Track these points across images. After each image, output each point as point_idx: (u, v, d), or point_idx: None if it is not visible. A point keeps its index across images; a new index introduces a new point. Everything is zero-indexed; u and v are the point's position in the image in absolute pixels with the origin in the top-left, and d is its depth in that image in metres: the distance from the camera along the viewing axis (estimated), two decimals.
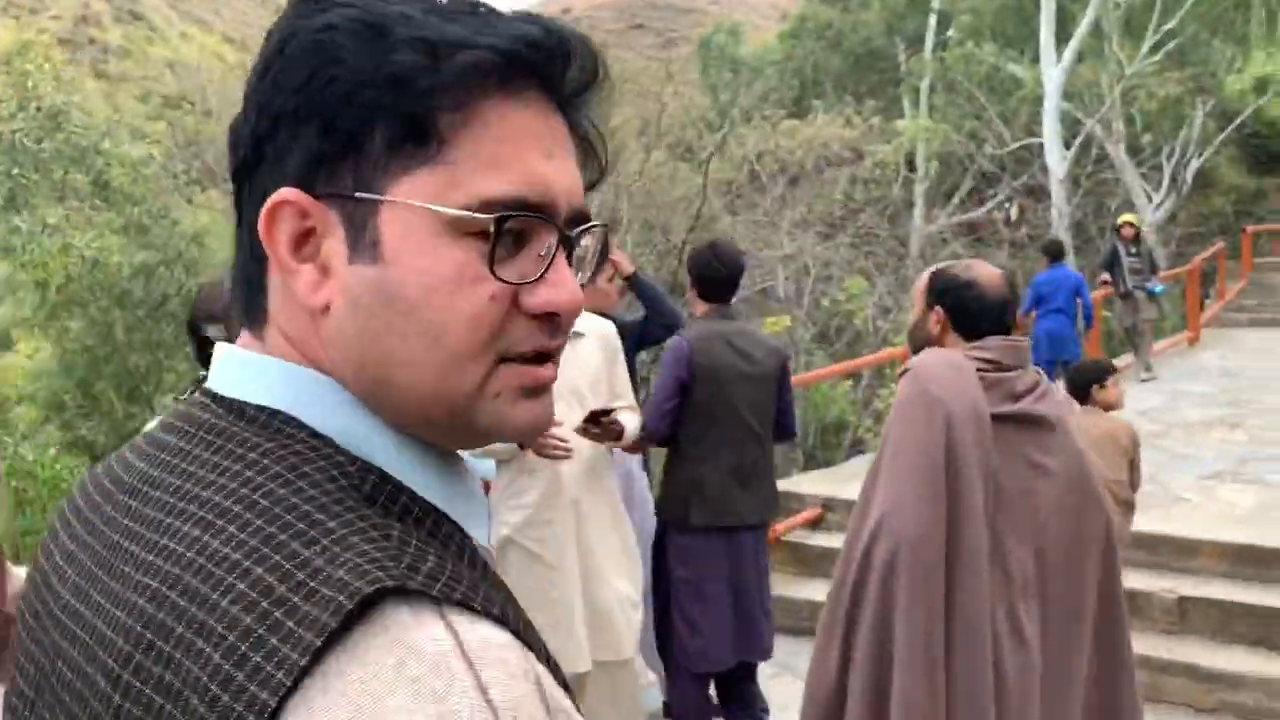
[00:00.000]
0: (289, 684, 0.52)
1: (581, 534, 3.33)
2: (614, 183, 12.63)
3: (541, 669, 0.58)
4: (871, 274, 15.80)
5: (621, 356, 3.62)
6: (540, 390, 0.69)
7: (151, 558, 0.61)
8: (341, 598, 0.54)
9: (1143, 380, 10.60)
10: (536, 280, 0.66)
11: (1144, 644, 4.78)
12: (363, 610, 0.54)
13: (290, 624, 0.54)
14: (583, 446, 3.33)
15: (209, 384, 0.71)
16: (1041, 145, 19.42)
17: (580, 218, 0.70)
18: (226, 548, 0.58)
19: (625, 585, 3.42)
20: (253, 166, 0.68)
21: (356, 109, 0.64)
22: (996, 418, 2.46)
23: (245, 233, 0.69)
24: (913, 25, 23.87)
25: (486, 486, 3.39)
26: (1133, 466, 4.69)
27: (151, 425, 2.04)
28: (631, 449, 3.83)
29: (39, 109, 9.04)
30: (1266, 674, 4.61)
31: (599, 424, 3.30)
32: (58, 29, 30.95)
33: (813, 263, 15.14)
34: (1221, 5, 20.97)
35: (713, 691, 4.09)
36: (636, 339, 4.55)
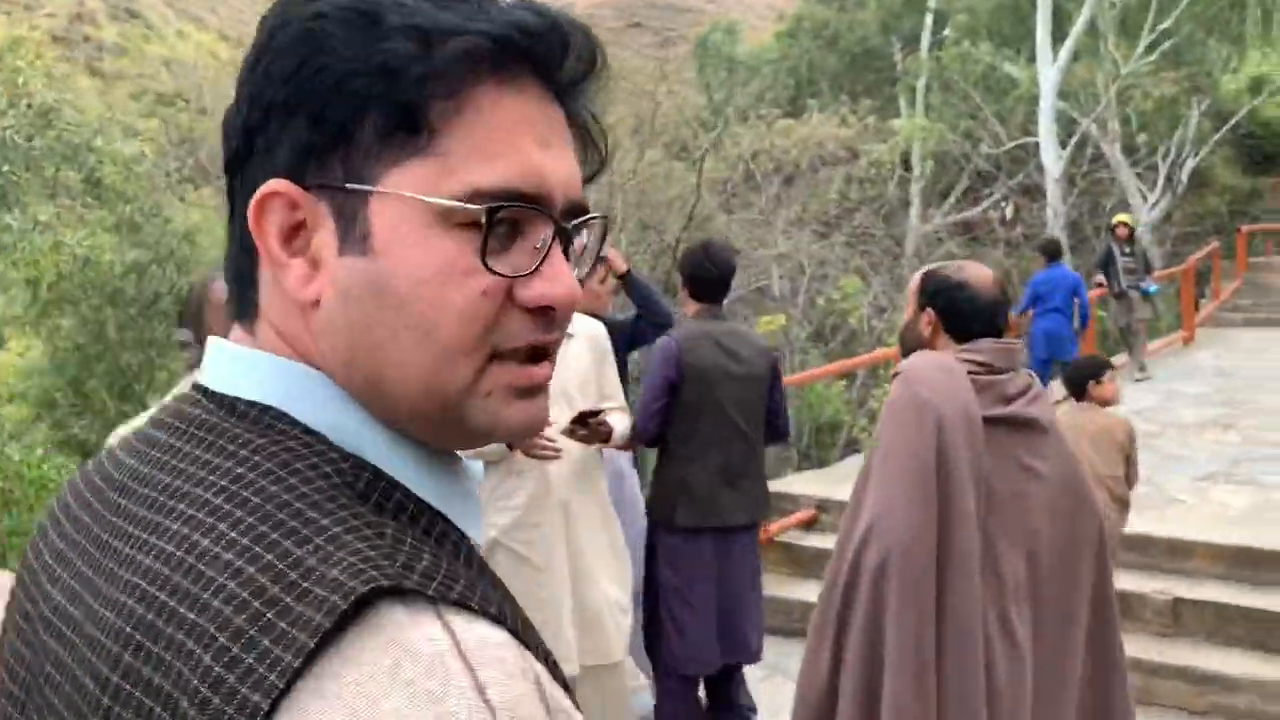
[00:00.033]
0: (281, 686, 0.51)
1: (570, 536, 3.31)
2: (608, 181, 12.61)
3: (540, 668, 0.57)
4: (867, 273, 15.79)
5: (611, 358, 3.60)
6: (534, 390, 0.67)
7: (140, 557, 0.60)
8: (335, 598, 0.53)
9: (1137, 380, 10.60)
10: (531, 273, 0.64)
11: (1137, 646, 4.77)
12: (357, 610, 0.53)
13: (283, 625, 0.52)
14: (572, 448, 3.31)
15: (201, 379, 0.70)
16: (1037, 144, 19.43)
17: (578, 210, 0.68)
18: (217, 546, 0.57)
19: (614, 589, 3.40)
20: (244, 158, 0.67)
21: (346, 98, 0.62)
22: (988, 420, 2.45)
23: (237, 226, 0.68)
24: (909, 24, 23.85)
25: None
26: (1129, 462, 4.68)
27: (139, 420, 2.01)
28: (623, 448, 3.82)
29: (29, 106, 8.99)
30: (1260, 676, 4.60)
31: (586, 425, 3.28)
32: (52, 26, 30.85)
33: (808, 262, 15.12)
34: (1217, 5, 20.98)
35: (702, 693, 4.08)
36: (628, 339, 4.54)
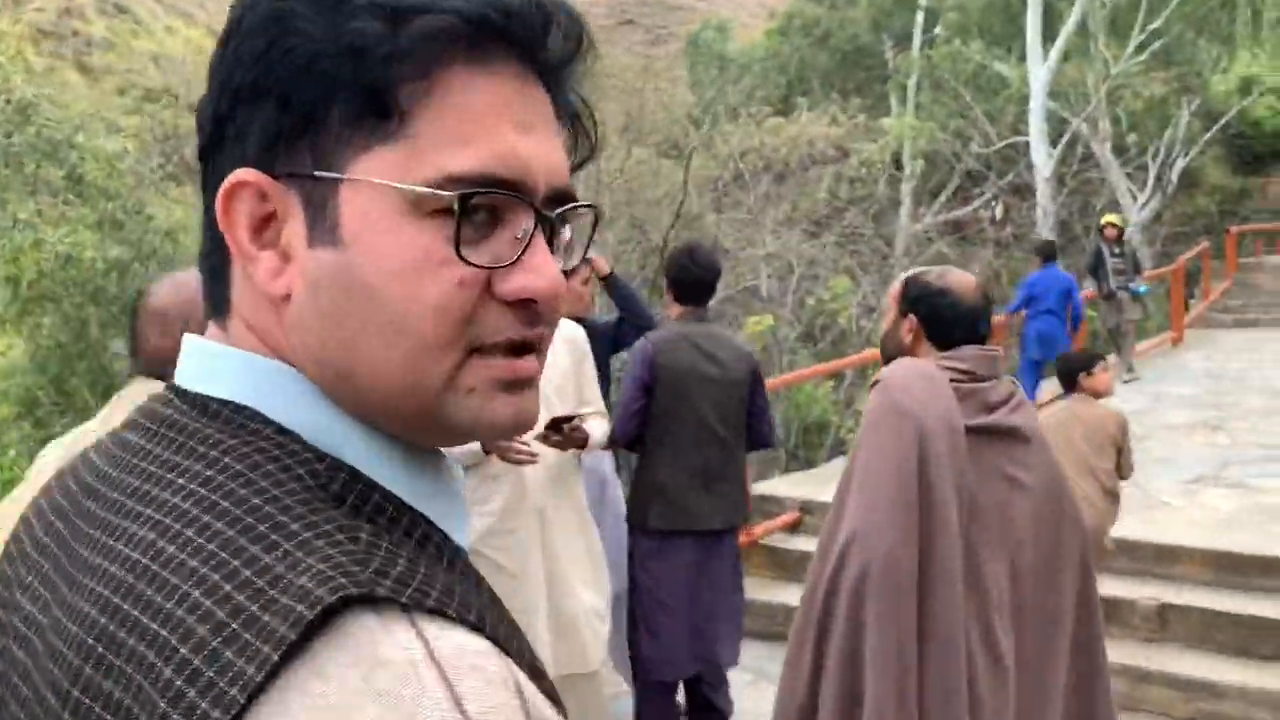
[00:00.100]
0: (243, 701, 0.48)
1: (546, 542, 3.26)
2: (596, 179, 12.56)
3: (522, 676, 0.54)
4: (856, 273, 15.77)
5: (590, 362, 3.56)
6: (520, 384, 0.64)
7: (105, 564, 0.58)
8: (301, 607, 0.50)
9: (1125, 381, 10.58)
10: (511, 264, 0.61)
11: (1124, 652, 4.75)
12: (326, 619, 0.50)
13: (247, 636, 0.50)
14: (548, 453, 3.26)
15: (175, 378, 0.67)
16: (1027, 144, 19.44)
17: (563, 197, 0.64)
18: (182, 553, 0.54)
19: (591, 595, 3.35)
20: (215, 148, 0.64)
21: (314, 81, 0.60)
22: (970, 430, 2.42)
23: (209, 218, 0.65)
24: (900, 23, 23.86)
25: None
26: (1121, 454, 4.65)
27: (73, 434, 1.96)
28: (606, 448, 3.80)
29: (8, 101, 8.90)
30: (1247, 683, 4.57)
31: (560, 431, 3.23)
32: (40, 21, 30.71)
33: (797, 261, 15.08)
34: (1207, 5, 21.04)
35: (682, 697, 4.06)
36: (611, 342, 4.52)
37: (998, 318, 10.10)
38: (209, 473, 0.58)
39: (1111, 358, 11.14)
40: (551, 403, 3.31)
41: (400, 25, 0.59)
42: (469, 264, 0.60)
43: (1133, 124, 20.26)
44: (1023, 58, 19.92)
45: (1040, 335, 9.45)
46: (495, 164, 0.60)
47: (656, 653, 3.81)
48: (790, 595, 5.51)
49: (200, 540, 0.55)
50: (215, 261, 0.66)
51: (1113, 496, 4.66)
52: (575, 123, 0.69)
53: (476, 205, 0.60)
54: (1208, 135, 19.89)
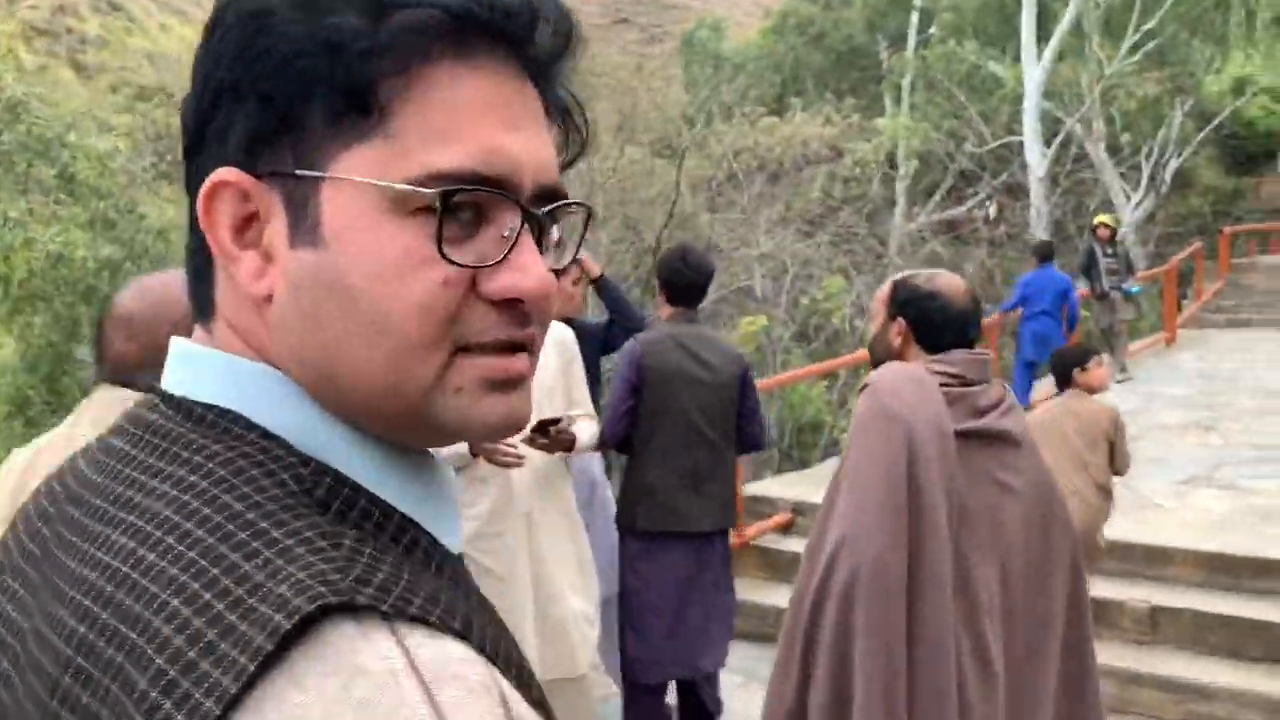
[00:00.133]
0: (218, 712, 0.48)
1: (534, 545, 3.24)
2: (589, 178, 12.53)
3: (506, 685, 0.53)
4: (850, 273, 15.76)
5: (579, 363, 3.54)
6: (510, 383, 0.62)
7: (86, 572, 0.57)
8: (279, 617, 0.49)
9: (1118, 381, 10.58)
10: (498, 263, 0.60)
11: (1115, 654, 4.75)
12: (305, 628, 0.49)
13: (224, 646, 0.49)
14: (535, 455, 3.25)
15: (162, 382, 0.66)
16: (1021, 144, 19.45)
17: (551, 195, 0.63)
18: (163, 561, 0.53)
19: (579, 599, 3.34)
20: (198, 147, 0.63)
21: (294, 79, 0.58)
22: (960, 434, 2.41)
23: (193, 219, 0.64)
24: (895, 23, 23.87)
25: None
26: (1114, 450, 4.64)
27: (41, 440, 1.94)
28: (596, 449, 3.79)
29: None
30: (1237, 686, 4.57)
31: (547, 434, 3.21)
32: (34, 18, 30.62)
33: (791, 261, 15.08)
34: (1201, 6, 21.06)
35: (674, 698, 4.06)
36: (601, 344, 4.51)
37: (991, 317, 10.12)
38: (192, 478, 0.57)
39: (1105, 357, 11.15)
40: (540, 405, 3.30)
41: (380, 20, 0.58)
42: (452, 263, 0.58)
43: (1126, 124, 20.29)
44: (1017, 58, 19.93)
45: (1036, 336, 9.45)
46: (480, 161, 0.59)
47: (644, 654, 3.80)
48: (782, 597, 5.50)
49: (180, 548, 0.54)
50: (199, 263, 0.65)
51: (1105, 492, 4.66)
52: (565, 119, 0.68)
53: (460, 203, 0.59)
54: (1201, 135, 19.93)
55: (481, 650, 0.54)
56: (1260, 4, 20.96)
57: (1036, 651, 2.49)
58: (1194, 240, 16.78)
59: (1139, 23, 19.42)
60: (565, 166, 0.68)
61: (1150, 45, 19.59)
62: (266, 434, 0.60)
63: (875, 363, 2.61)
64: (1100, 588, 4.99)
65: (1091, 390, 4.80)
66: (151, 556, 0.54)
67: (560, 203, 0.64)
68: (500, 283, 0.60)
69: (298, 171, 0.59)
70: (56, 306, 9.53)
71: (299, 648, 0.49)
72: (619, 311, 4.48)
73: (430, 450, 0.67)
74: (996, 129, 20.51)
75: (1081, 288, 10.95)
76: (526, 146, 0.61)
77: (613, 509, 4.16)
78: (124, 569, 0.55)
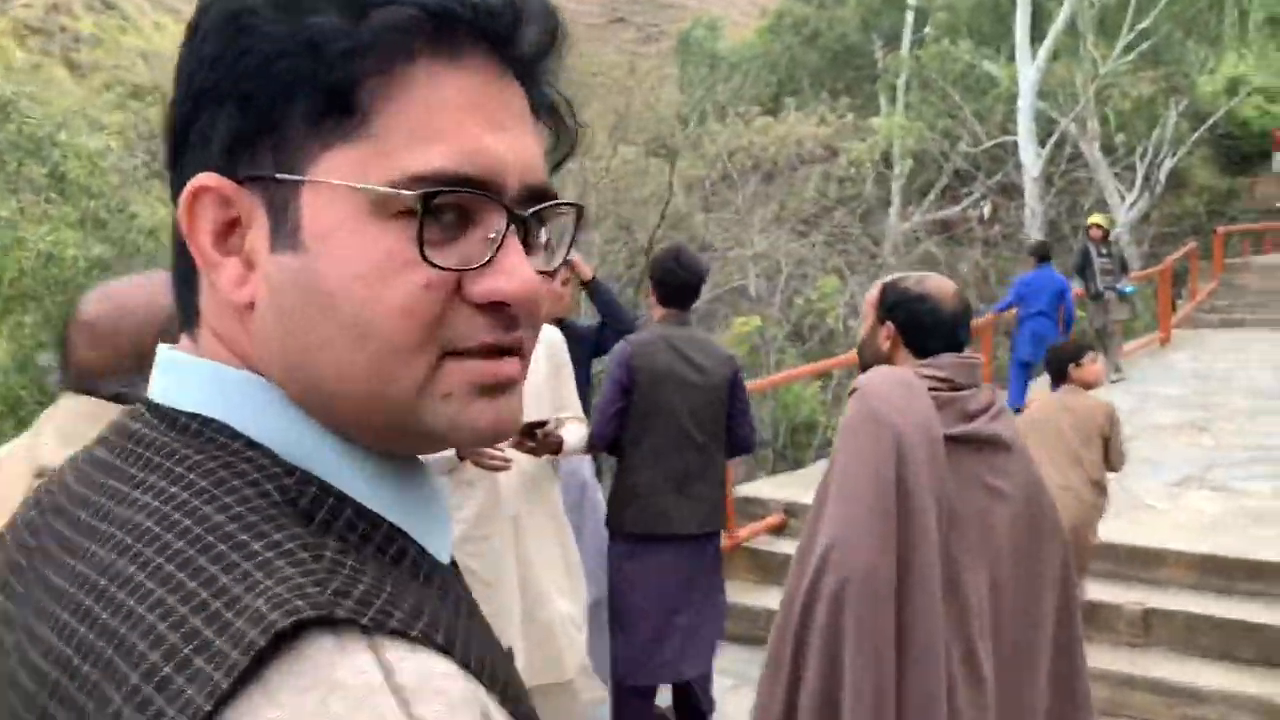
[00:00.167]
0: None
1: (521, 549, 3.22)
2: (582, 178, 12.51)
3: (492, 701, 0.53)
4: (844, 272, 15.77)
5: (568, 368, 3.52)
6: (499, 388, 0.61)
7: (66, 585, 0.56)
8: (254, 632, 0.48)
9: (1112, 382, 10.58)
10: (483, 266, 0.59)
11: (1108, 657, 4.73)
12: (281, 643, 0.48)
13: (199, 662, 0.48)
14: (522, 458, 3.22)
15: (148, 391, 0.65)
16: (1016, 143, 19.48)
17: (539, 196, 0.62)
18: (141, 574, 0.52)
19: (566, 603, 3.31)
20: (181, 151, 0.62)
21: (273, 80, 0.57)
22: (949, 439, 2.40)
23: (177, 225, 0.63)
24: (889, 22, 23.90)
25: None
26: (1109, 445, 4.63)
27: (31, 429, 1.90)
28: (587, 451, 3.78)
29: None
30: (1230, 688, 4.56)
31: (533, 437, 3.19)
32: (28, 17, 30.56)
33: (785, 261, 15.08)
34: (1195, 6, 21.11)
35: (664, 702, 4.04)
36: (592, 346, 4.49)
37: (984, 316, 10.12)
38: (173, 489, 0.56)
39: (1099, 356, 11.15)
40: (528, 409, 3.27)
41: (360, 19, 0.57)
42: (434, 266, 0.57)
43: (1121, 124, 20.31)
44: (1011, 57, 19.96)
45: (1034, 336, 9.46)
46: (462, 162, 0.58)
47: (632, 657, 3.79)
48: (774, 599, 5.45)
49: (159, 561, 0.53)
50: (184, 269, 0.64)
51: (1100, 488, 4.65)
52: (554, 118, 0.67)
53: (443, 205, 0.58)
54: (1195, 135, 19.96)
55: (466, 665, 0.53)
56: (1254, 4, 21.01)
57: (1026, 656, 2.48)
58: (1188, 240, 16.80)
59: (1133, 22, 19.45)
60: (556, 166, 0.67)
61: (1145, 45, 19.62)
62: (251, 443, 0.59)
63: (864, 366, 2.59)
64: (1094, 590, 4.99)
65: (1087, 386, 4.80)
66: (130, 570, 0.53)
67: (548, 203, 0.63)
68: (485, 286, 0.59)
69: (278, 175, 0.58)
70: (48, 306, 9.50)
71: (275, 663, 0.48)
72: (611, 314, 4.46)
73: (420, 458, 0.66)
74: (991, 129, 20.54)
75: (1076, 288, 10.95)
76: (512, 146, 0.60)
77: (603, 511, 4.14)
78: (102, 582, 0.54)
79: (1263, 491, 6.56)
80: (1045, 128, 19.68)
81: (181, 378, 0.63)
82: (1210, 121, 20.01)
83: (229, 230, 0.60)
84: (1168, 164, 19.68)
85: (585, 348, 4.38)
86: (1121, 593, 5.16)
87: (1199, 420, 8.86)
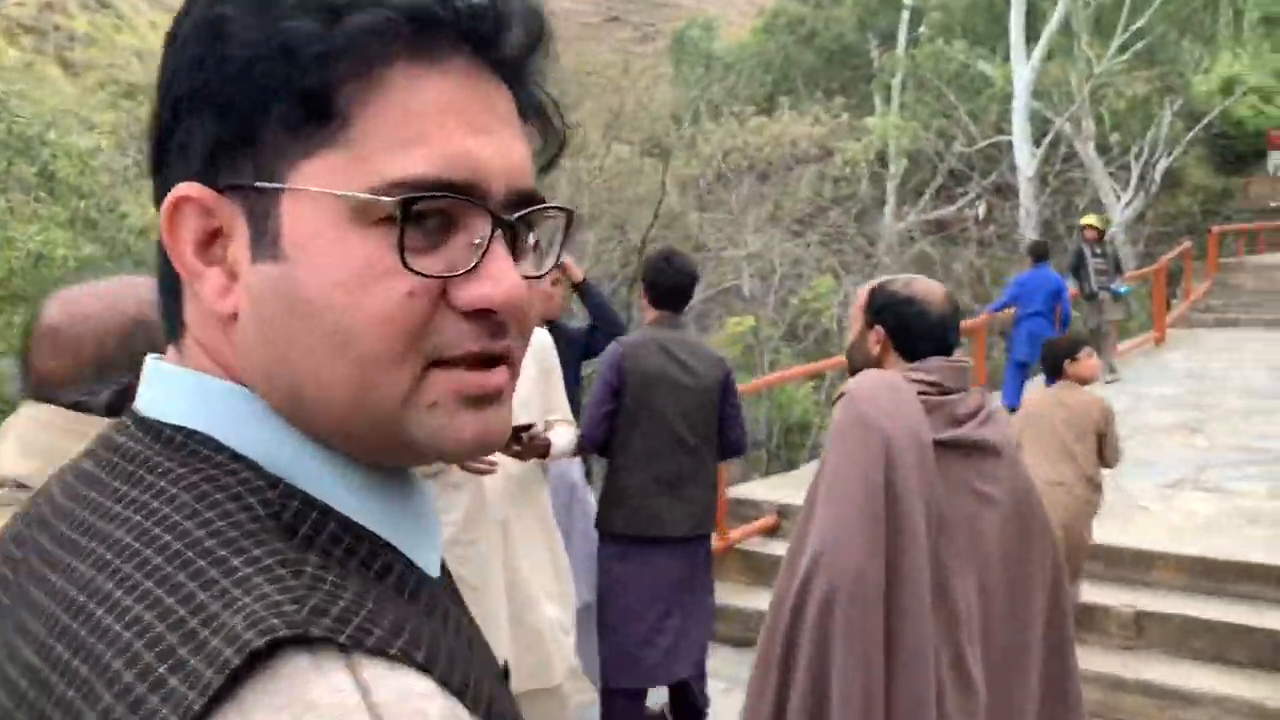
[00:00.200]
0: None
1: (508, 553, 3.20)
2: (575, 178, 12.49)
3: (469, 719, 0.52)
4: (839, 272, 15.76)
5: (557, 372, 3.49)
6: (487, 399, 0.60)
7: (46, 602, 0.55)
8: (229, 651, 0.47)
9: (1107, 382, 10.57)
10: (468, 272, 0.57)
11: (1100, 660, 4.72)
12: (256, 663, 0.47)
13: (174, 681, 0.47)
14: (510, 462, 3.20)
15: (134, 403, 0.64)
16: (1010, 143, 19.48)
17: (526, 200, 0.60)
18: (120, 591, 0.52)
19: (554, 608, 3.29)
20: (163, 160, 0.61)
21: (250, 87, 0.56)
22: (938, 444, 2.38)
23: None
24: (885, 22, 23.91)
25: None
26: (1104, 441, 4.62)
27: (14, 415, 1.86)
28: (576, 454, 3.76)
29: None
30: (1221, 691, 4.55)
31: (520, 440, 3.17)
32: (21, 15, 30.49)
33: (780, 261, 15.07)
34: (1190, 6, 21.13)
35: (658, 704, 4.03)
36: (582, 348, 4.47)
37: (979, 316, 10.10)
38: (155, 504, 0.55)
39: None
40: (516, 415, 3.25)
41: (334, 23, 0.56)
42: (416, 273, 0.56)
43: (1116, 124, 20.33)
44: (1006, 57, 19.97)
45: (1032, 336, 9.46)
46: (444, 167, 0.56)
47: (621, 659, 3.78)
48: (766, 602, 5.43)
49: (138, 577, 0.52)
50: (169, 279, 0.63)
51: (1093, 484, 4.64)
52: (542, 119, 0.65)
53: (425, 211, 0.56)
54: (1190, 135, 20.00)
55: (445, 683, 0.51)
56: (1248, 4, 21.03)
57: (1015, 661, 2.47)
58: (1183, 240, 16.81)
59: (1128, 22, 19.48)
60: (545, 168, 0.66)
61: (1139, 45, 19.64)
62: (235, 456, 0.58)
63: (853, 370, 2.57)
64: (1086, 593, 4.98)
65: (1082, 381, 4.79)
66: (108, 586, 0.52)
67: (535, 208, 0.61)
68: (470, 293, 0.57)
69: (257, 183, 0.57)
70: (37, 307, 9.48)
71: (250, 682, 0.47)
72: (602, 316, 4.45)
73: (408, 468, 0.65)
74: (985, 128, 20.55)
75: (1071, 288, 10.95)
76: (497, 150, 0.59)
77: (593, 514, 4.12)
78: (80, 599, 0.53)
79: (1257, 492, 6.55)
80: (1040, 127, 19.70)
81: (167, 389, 0.62)
82: (1205, 121, 20.04)
83: (211, 240, 0.59)
84: (1162, 164, 19.71)
85: (575, 349, 4.37)
86: (1113, 595, 5.14)
87: (1193, 421, 8.85)
